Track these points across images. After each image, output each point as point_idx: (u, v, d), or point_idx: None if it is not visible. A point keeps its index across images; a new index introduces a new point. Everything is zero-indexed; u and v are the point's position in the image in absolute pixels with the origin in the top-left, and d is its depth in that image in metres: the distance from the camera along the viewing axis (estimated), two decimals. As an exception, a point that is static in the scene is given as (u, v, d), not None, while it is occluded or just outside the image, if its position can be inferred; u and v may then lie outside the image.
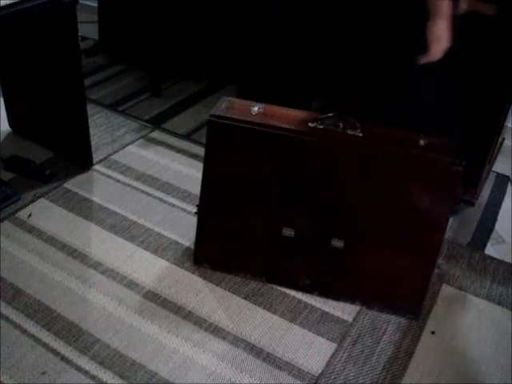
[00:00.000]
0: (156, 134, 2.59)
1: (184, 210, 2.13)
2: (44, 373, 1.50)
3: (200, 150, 2.39)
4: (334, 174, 1.63)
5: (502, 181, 2.44)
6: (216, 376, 1.54)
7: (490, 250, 2.06)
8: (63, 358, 1.55)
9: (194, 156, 2.44)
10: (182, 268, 1.87)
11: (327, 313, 1.75)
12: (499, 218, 2.23)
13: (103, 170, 2.31)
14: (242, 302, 1.77)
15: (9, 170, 2.24)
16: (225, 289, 1.81)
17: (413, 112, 1.80)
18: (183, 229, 2.03)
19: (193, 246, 1.91)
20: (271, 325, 1.70)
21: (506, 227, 2.17)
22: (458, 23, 1.70)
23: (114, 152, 2.43)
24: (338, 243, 1.70)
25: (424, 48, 1.66)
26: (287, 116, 1.66)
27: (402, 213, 1.63)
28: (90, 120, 2.28)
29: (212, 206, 1.78)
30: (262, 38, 2.44)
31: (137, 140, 2.53)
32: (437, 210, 1.60)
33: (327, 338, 1.67)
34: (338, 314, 1.75)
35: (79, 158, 2.32)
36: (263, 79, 2.51)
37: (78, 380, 1.49)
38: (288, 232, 1.73)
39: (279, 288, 1.82)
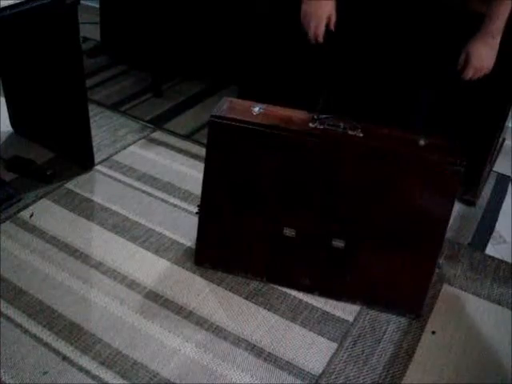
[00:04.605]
0: (157, 135, 2.60)
1: (185, 210, 2.13)
2: (45, 373, 1.51)
3: (201, 151, 2.40)
4: (334, 174, 1.63)
5: (502, 181, 2.44)
6: (217, 376, 1.54)
7: (491, 249, 2.06)
8: (65, 358, 1.55)
9: (195, 156, 2.45)
10: (183, 268, 1.87)
11: (328, 313, 1.76)
12: (500, 217, 2.23)
13: (105, 170, 2.32)
14: (242, 301, 1.77)
15: (10, 171, 2.25)
16: (226, 289, 1.81)
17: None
18: (184, 229, 2.03)
19: (194, 246, 1.92)
20: (272, 325, 1.70)
21: (507, 227, 2.17)
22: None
23: (116, 152, 2.43)
24: (338, 243, 1.70)
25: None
26: (288, 116, 1.67)
27: (402, 213, 1.63)
28: (91, 120, 2.29)
29: (213, 206, 1.79)
30: (263, 35, 2.44)
31: (138, 140, 2.54)
32: (437, 209, 1.60)
33: (328, 338, 1.67)
34: (338, 313, 1.75)
35: (81, 159, 2.32)
36: (265, 79, 2.51)
37: (79, 380, 1.50)
38: (289, 232, 1.73)
39: (280, 288, 1.83)
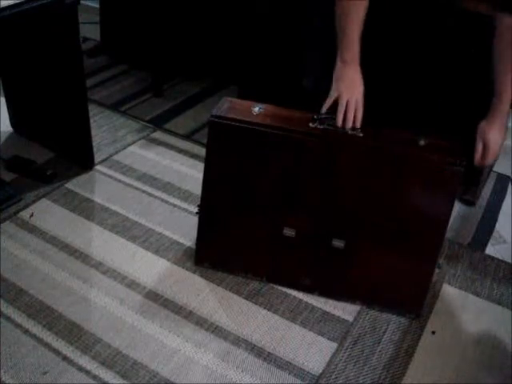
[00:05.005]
0: (157, 135, 2.60)
1: (185, 210, 2.13)
2: (45, 373, 1.51)
3: (201, 151, 2.39)
4: (334, 174, 1.63)
5: (502, 181, 2.44)
6: (217, 376, 1.54)
7: (491, 249, 2.06)
8: (65, 358, 1.55)
9: (195, 156, 2.45)
10: (183, 268, 1.87)
11: (328, 312, 1.76)
12: (500, 217, 2.23)
13: (105, 170, 2.32)
14: (242, 301, 1.77)
15: (10, 171, 2.25)
16: (226, 289, 1.81)
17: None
18: (184, 229, 2.03)
19: (194, 246, 1.92)
20: (272, 325, 1.70)
21: (507, 227, 2.17)
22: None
23: (116, 152, 2.43)
24: (338, 243, 1.70)
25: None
26: (288, 116, 1.67)
27: (402, 213, 1.63)
28: (91, 120, 2.29)
29: (213, 206, 1.79)
30: (263, 35, 2.44)
31: (138, 140, 2.54)
32: (437, 209, 1.60)
33: (328, 338, 1.67)
34: (338, 313, 1.75)
35: (81, 159, 2.32)
36: (265, 79, 2.51)
37: (79, 380, 1.50)
38: (289, 232, 1.73)
39: (280, 288, 1.83)
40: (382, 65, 1.70)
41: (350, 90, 1.54)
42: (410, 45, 1.69)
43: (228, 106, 1.70)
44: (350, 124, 1.55)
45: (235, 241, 1.81)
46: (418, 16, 1.65)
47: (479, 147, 1.58)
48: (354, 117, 1.55)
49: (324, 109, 1.58)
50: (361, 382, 1.56)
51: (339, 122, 1.55)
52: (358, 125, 1.56)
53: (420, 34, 1.68)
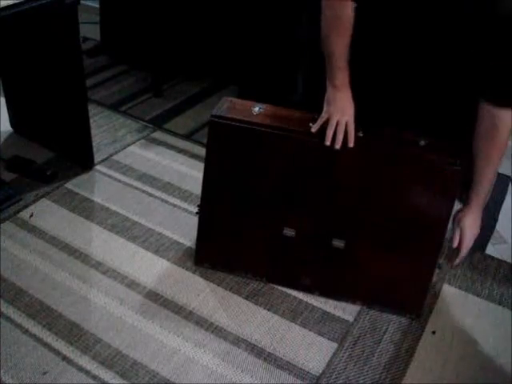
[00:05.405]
0: (157, 135, 2.60)
1: (185, 210, 2.13)
2: (45, 373, 1.51)
3: (201, 151, 2.39)
4: (334, 174, 1.63)
5: (502, 181, 2.44)
6: (217, 376, 1.54)
7: (491, 249, 2.06)
8: (64, 358, 1.55)
9: (195, 156, 2.45)
10: (183, 268, 1.87)
11: (328, 313, 1.76)
12: (500, 217, 2.23)
13: (104, 170, 2.31)
14: (242, 302, 1.77)
15: (10, 171, 2.25)
16: (226, 289, 1.81)
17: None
18: (184, 229, 2.03)
19: (194, 246, 1.92)
20: (272, 325, 1.70)
21: (507, 227, 2.17)
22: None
23: (116, 152, 2.43)
24: (338, 243, 1.70)
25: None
26: (288, 116, 1.66)
27: (402, 213, 1.63)
28: (91, 120, 2.29)
29: (213, 206, 1.79)
30: (264, 35, 2.44)
31: (138, 140, 2.54)
32: (437, 209, 1.60)
33: (328, 338, 1.67)
34: (338, 313, 1.75)
35: (80, 159, 2.32)
36: (265, 79, 2.51)
37: (79, 380, 1.50)
38: (289, 232, 1.73)
39: (280, 288, 1.82)
40: (382, 64, 1.70)
41: (340, 112, 1.55)
42: (410, 43, 1.69)
43: (228, 106, 1.70)
44: (339, 145, 1.55)
45: (235, 241, 1.81)
46: (419, 14, 1.65)
47: (456, 234, 1.63)
48: (345, 138, 1.55)
49: (314, 129, 1.58)
50: (361, 382, 1.56)
51: (327, 142, 1.55)
52: (351, 145, 1.56)
53: (420, 33, 1.67)
